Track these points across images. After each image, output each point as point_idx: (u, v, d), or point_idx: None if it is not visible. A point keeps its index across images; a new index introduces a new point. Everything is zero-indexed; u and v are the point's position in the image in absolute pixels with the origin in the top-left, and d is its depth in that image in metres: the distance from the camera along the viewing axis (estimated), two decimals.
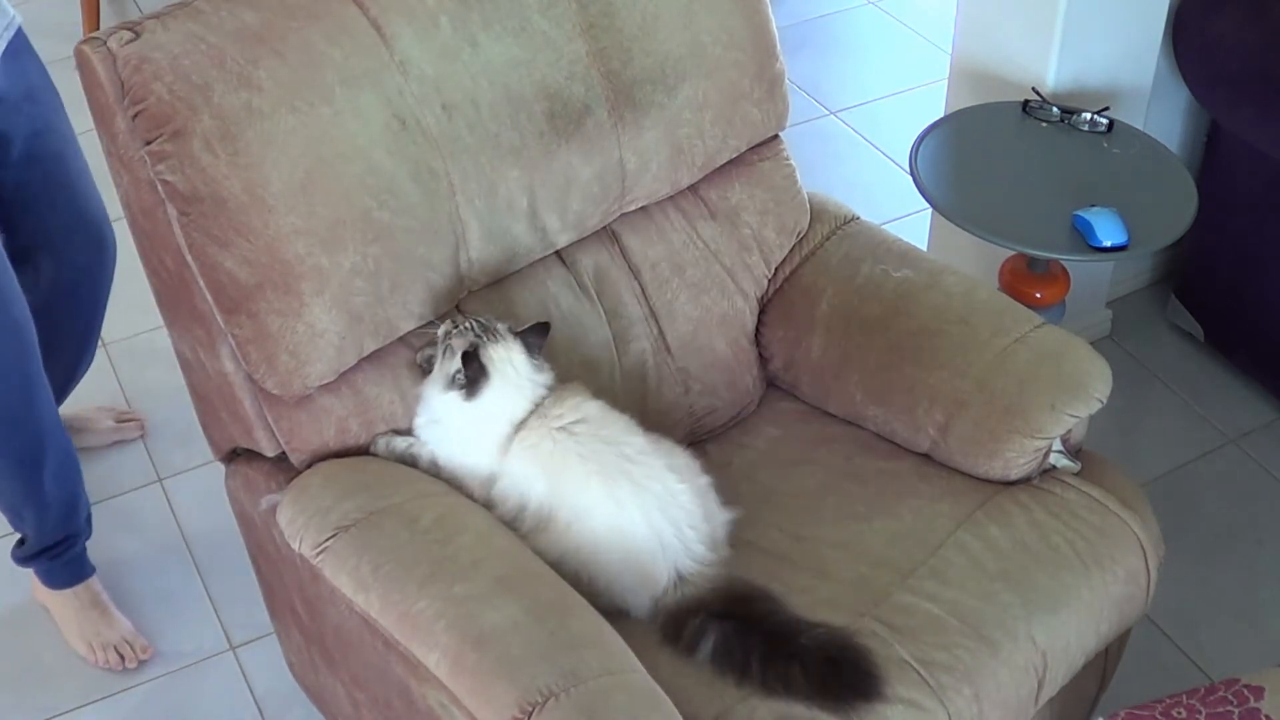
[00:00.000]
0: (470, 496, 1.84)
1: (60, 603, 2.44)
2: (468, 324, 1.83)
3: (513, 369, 1.83)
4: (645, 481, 1.81)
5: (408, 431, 1.89)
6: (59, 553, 2.38)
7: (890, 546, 1.89)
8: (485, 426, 1.84)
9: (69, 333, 2.50)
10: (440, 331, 1.84)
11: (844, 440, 2.08)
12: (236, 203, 1.68)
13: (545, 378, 1.87)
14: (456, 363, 1.80)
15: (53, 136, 2.27)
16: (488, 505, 1.84)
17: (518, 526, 1.82)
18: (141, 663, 2.41)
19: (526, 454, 1.82)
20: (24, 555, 2.41)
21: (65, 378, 2.58)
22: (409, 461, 1.87)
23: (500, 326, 1.85)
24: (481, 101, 1.82)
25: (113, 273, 2.47)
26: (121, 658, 2.40)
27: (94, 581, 2.44)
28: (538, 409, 1.85)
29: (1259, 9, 2.52)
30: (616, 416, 1.88)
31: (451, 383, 1.82)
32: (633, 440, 1.86)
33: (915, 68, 3.86)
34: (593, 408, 1.87)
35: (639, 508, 1.79)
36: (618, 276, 2.07)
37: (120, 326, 2.97)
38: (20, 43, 2.18)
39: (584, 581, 1.77)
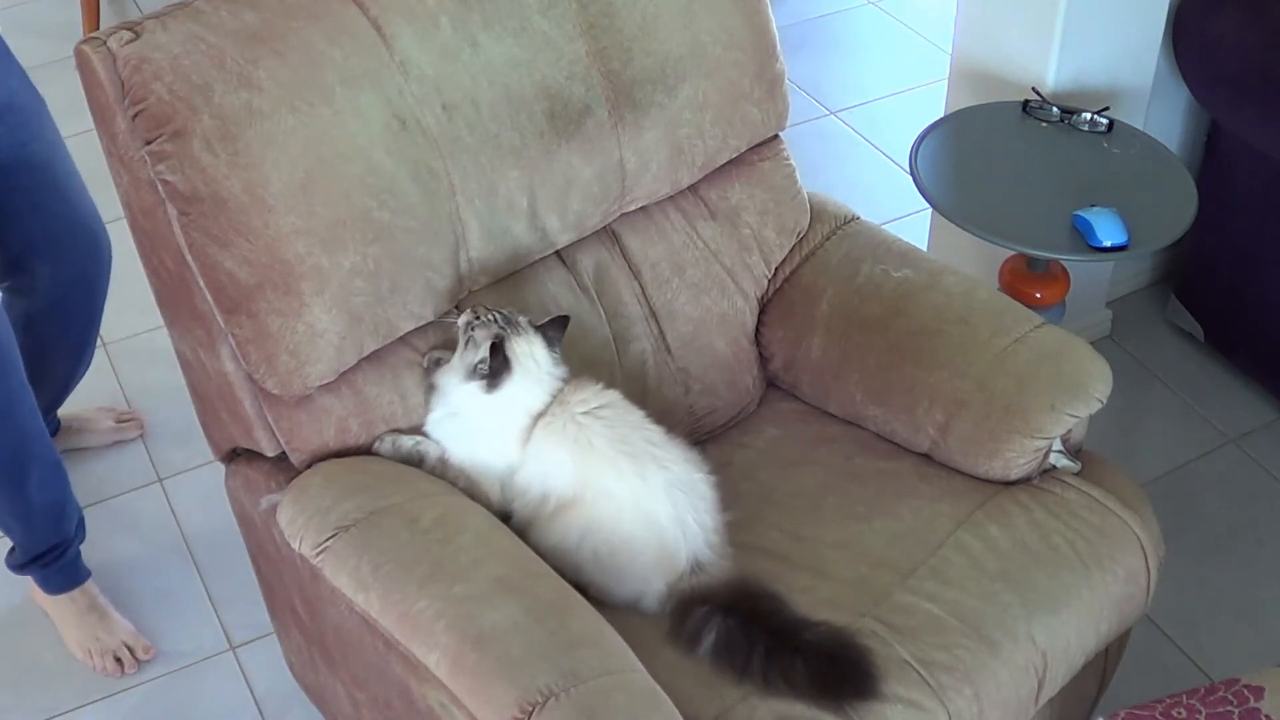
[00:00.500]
0: (483, 492, 1.85)
1: (58, 608, 2.43)
2: (491, 315, 1.84)
3: (534, 362, 1.84)
4: (670, 465, 1.84)
5: (412, 430, 1.89)
6: (50, 560, 2.38)
7: (890, 546, 1.89)
8: (506, 418, 1.85)
9: (67, 337, 2.50)
10: (461, 321, 1.85)
11: (844, 440, 2.08)
12: (236, 203, 1.68)
13: (562, 371, 1.88)
14: (481, 353, 1.81)
15: (38, 145, 2.26)
16: (504, 500, 1.86)
17: (539, 512, 1.83)
18: (142, 664, 2.41)
19: (552, 439, 1.84)
20: (16, 563, 2.40)
21: (64, 381, 2.59)
22: (415, 460, 1.87)
23: (522, 319, 1.85)
24: (481, 101, 1.82)
25: (108, 276, 2.46)
26: (120, 663, 2.39)
27: (90, 585, 2.44)
28: (556, 399, 1.86)
29: (1259, 9, 2.52)
30: (635, 407, 1.90)
31: (473, 373, 1.82)
32: (653, 428, 1.88)
33: (915, 68, 3.86)
34: (614, 395, 1.89)
35: (664, 489, 1.82)
36: (618, 276, 2.07)
37: (120, 326, 2.98)
38: None
39: (604, 559, 1.79)
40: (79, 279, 2.43)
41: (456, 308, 1.91)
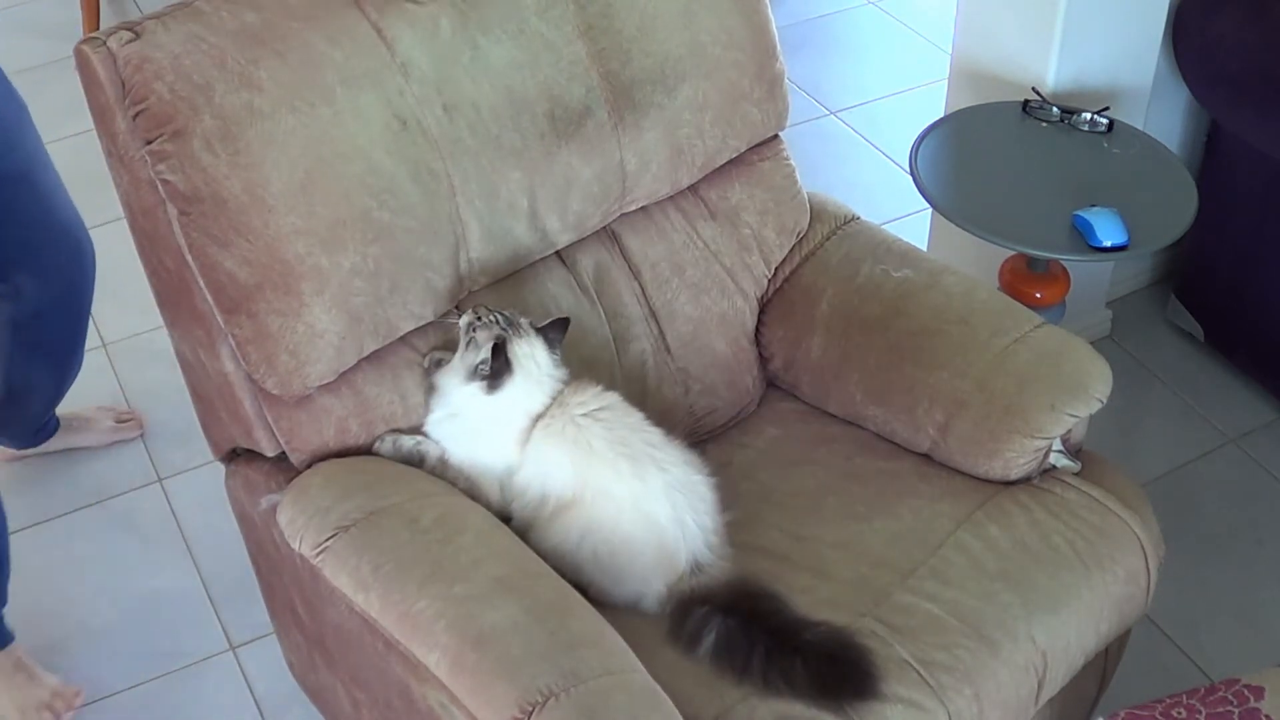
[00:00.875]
0: (482, 493, 1.85)
1: None
2: (493, 316, 1.84)
3: (535, 364, 1.84)
4: (669, 467, 1.84)
5: (412, 430, 1.89)
6: None
7: (890, 546, 1.89)
8: (505, 419, 1.85)
9: (55, 342, 2.48)
10: (463, 322, 1.85)
11: (844, 440, 2.08)
12: (236, 203, 1.68)
13: (562, 373, 1.88)
14: (483, 354, 1.81)
15: (17, 156, 2.23)
16: (504, 500, 1.86)
17: (539, 513, 1.83)
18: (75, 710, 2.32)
19: (551, 440, 1.84)
20: None
21: (55, 386, 2.58)
22: (415, 460, 1.87)
23: (523, 321, 1.86)
24: (482, 103, 1.82)
25: (94, 282, 2.45)
26: (56, 716, 2.30)
27: (14, 647, 2.31)
28: (555, 401, 1.86)
29: (1259, 9, 2.52)
30: (634, 409, 1.90)
31: (474, 374, 1.82)
32: (653, 431, 1.88)
33: (915, 68, 3.86)
34: (614, 397, 1.89)
35: (664, 490, 1.82)
36: (618, 276, 2.07)
37: (120, 326, 2.98)
38: None
39: (604, 559, 1.79)
40: (66, 288, 2.41)
41: (456, 308, 1.91)
